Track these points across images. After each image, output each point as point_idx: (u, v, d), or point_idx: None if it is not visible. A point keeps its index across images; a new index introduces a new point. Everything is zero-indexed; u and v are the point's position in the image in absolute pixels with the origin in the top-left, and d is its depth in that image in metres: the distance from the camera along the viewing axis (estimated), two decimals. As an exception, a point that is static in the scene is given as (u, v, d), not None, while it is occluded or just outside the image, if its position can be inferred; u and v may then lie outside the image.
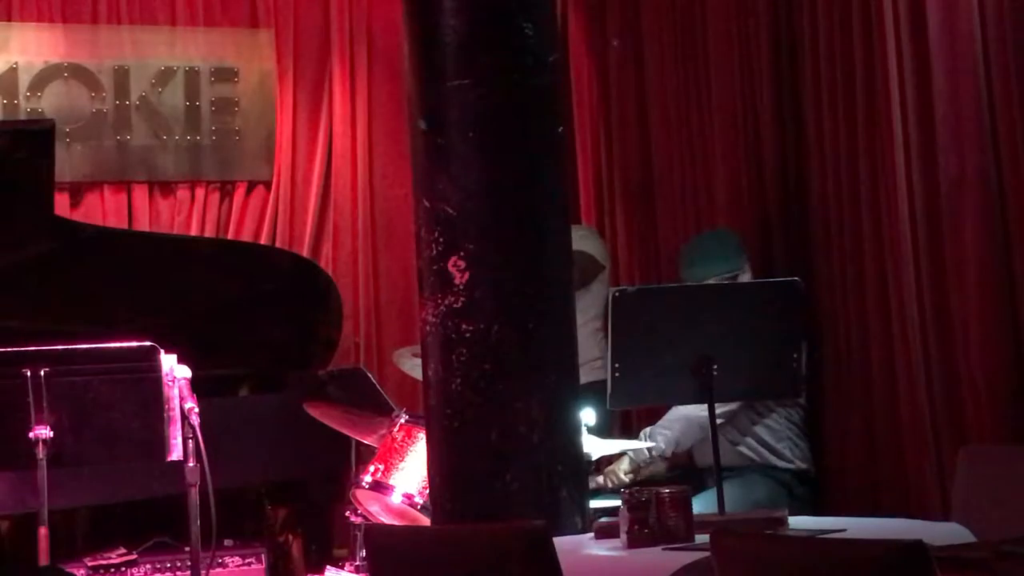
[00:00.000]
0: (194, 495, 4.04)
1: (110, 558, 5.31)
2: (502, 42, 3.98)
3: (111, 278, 5.47)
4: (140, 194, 6.60)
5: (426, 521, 4.25)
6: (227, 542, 5.43)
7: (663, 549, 3.37)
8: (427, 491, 4.15)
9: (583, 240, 5.57)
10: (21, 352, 4.10)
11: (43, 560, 4.01)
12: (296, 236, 6.72)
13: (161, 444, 4.14)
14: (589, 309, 5.55)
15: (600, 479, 4.90)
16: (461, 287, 3.90)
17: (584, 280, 5.48)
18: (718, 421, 4.65)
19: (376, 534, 3.36)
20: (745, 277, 4.99)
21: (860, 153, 4.96)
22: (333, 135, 6.80)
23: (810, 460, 5.01)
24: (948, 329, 4.58)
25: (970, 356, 4.50)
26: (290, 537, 5.86)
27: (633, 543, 3.43)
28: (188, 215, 6.63)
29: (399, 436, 4.54)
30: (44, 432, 4.04)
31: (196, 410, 4.08)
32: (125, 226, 6.45)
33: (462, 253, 3.90)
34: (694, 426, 4.83)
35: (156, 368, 4.14)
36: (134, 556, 5.34)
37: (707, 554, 2.87)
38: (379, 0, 6.81)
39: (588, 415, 4.29)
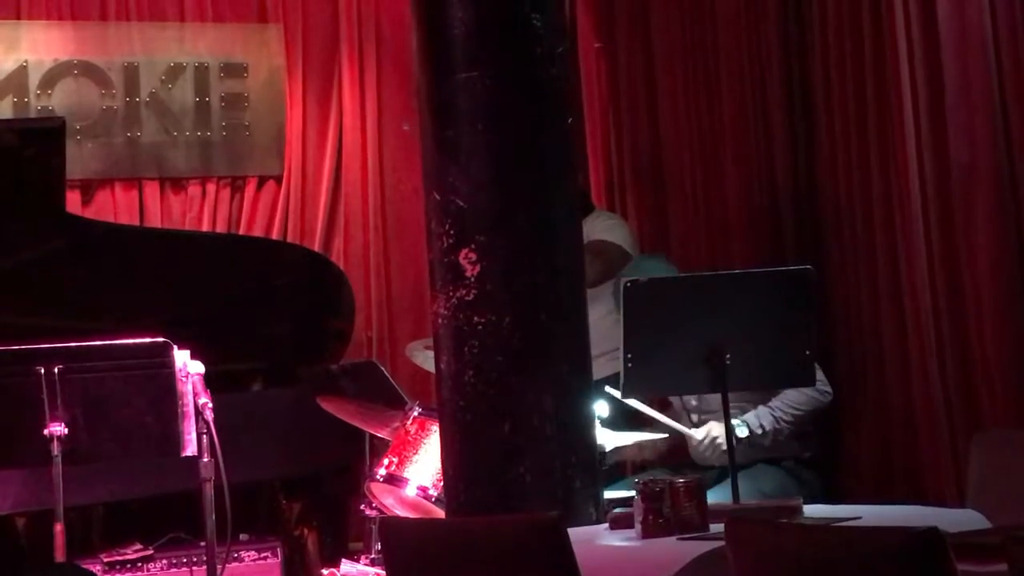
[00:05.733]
0: (209, 490, 4.04)
1: (126, 554, 5.32)
2: (511, 33, 3.96)
3: (123, 275, 5.47)
4: (151, 191, 6.60)
5: (440, 513, 4.25)
6: (242, 537, 5.43)
7: (678, 539, 3.36)
8: (441, 483, 4.15)
9: (612, 230, 5.49)
10: (35, 349, 4.10)
11: (59, 556, 4.02)
12: (307, 230, 6.71)
13: (175, 440, 4.14)
14: (615, 298, 5.47)
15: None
16: (472, 279, 3.89)
17: (611, 271, 5.32)
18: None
19: (391, 527, 3.36)
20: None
21: (871, 139, 4.95)
22: (343, 129, 6.80)
23: (815, 443, 4.97)
24: (961, 315, 4.58)
25: (984, 342, 4.49)
26: (305, 531, 5.87)
27: (647, 533, 3.43)
28: (199, 211, 6.63)
29: (412, 429, 4.53)
30: (59, 429, 4.04)
31: (210, 405, 4.08)
32: (136, 223, 6.46)
33: (473, 245, 3.89)
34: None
35: (169, 364, 4.14)
36: (150, 551, 5.34)
37: (722, 543, 2.87)
38: (387, -7, 6.82)
39: (601, 407, 4.28)
